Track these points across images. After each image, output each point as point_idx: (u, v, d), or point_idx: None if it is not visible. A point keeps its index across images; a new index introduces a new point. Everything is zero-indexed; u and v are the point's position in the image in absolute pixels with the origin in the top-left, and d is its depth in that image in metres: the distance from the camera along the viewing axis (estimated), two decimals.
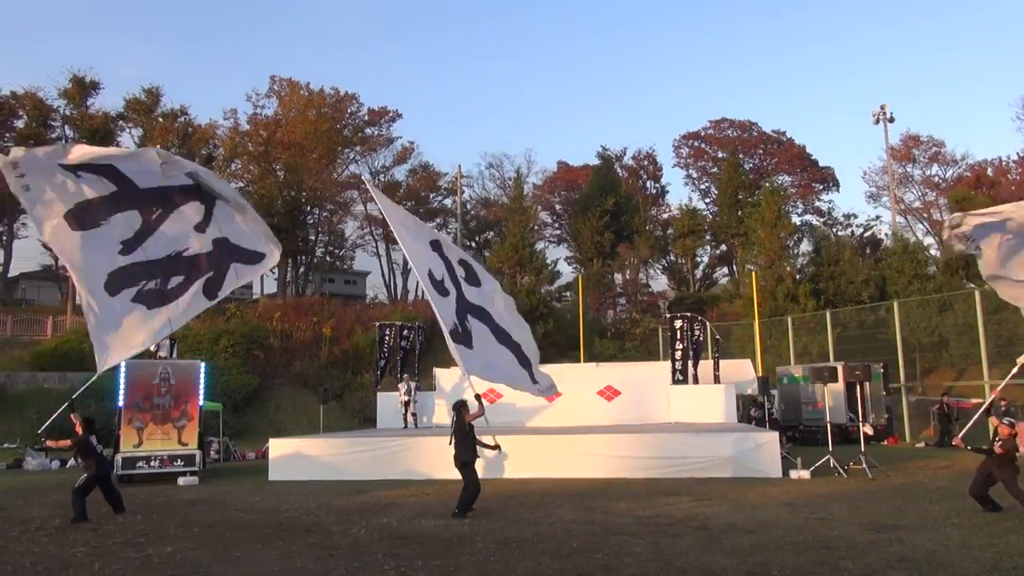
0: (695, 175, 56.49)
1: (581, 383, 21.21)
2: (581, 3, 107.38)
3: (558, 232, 56.25)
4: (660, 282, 51.86)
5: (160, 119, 39.97)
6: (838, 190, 55.04)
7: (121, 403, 16.14)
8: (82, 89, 37.92)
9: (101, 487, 10.91)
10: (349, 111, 49.69)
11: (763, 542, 8.06)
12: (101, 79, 38.88)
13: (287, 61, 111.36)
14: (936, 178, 48.08)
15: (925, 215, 48.04)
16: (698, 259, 51.22)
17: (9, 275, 46.04)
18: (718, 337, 25.06)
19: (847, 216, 50.71)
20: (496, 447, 11.09)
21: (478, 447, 10.72)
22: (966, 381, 24.32)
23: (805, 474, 13.76)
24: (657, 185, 56.18)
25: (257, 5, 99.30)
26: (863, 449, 14.76)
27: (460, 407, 10.83)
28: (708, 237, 49.72)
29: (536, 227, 49.96)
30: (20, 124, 38.88)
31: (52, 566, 7.70)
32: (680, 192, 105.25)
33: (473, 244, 54.81)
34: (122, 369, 16.32)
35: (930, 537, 8.12)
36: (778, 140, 54.71)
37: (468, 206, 54.81)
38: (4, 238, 45.14)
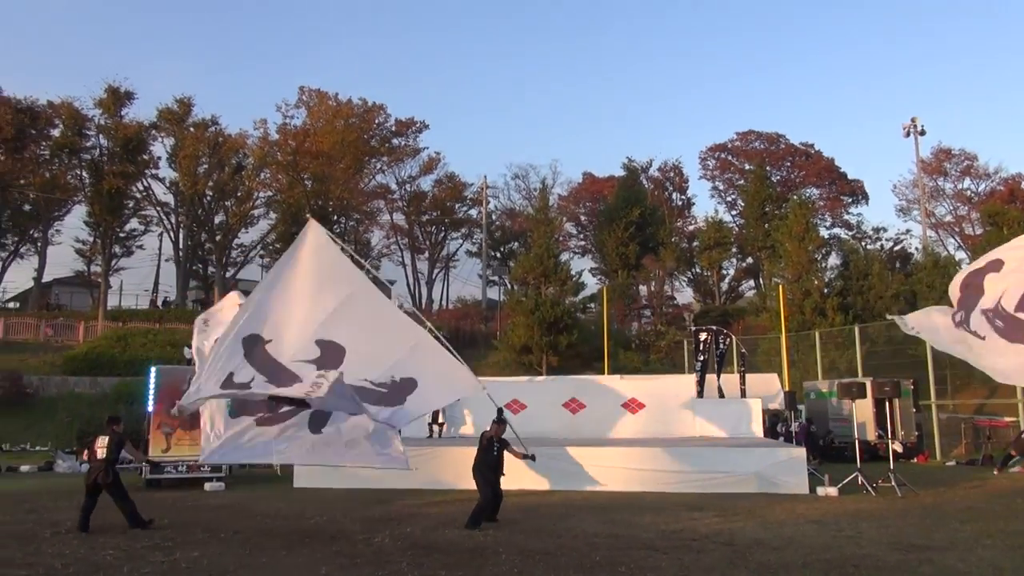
0: (721, 187, 56.23)
1: (605, 395, 21.08)
2: (609, 16, 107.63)
3: (583, 243, 56.23)
4: (685, 294, 51.53)
5: (191, 129, 40.61)
6: (867, 203, 54.33)
7: (150, 408, 16.38)
8: (117, 99, 38.59)
9: (96, 494, 10.43)
10: (377, 122, 50.14)
11: (790, 559, 7.97)
12: (135, 89, 39.59)
13: (316, 72, 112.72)
14: (968, 192, 47.41)
15: (957, 229, 47.32)
16: (724, 271, 50.87)
17: (43, 281, 46.94)
18: (744, 351, 24.81)
19: (876, 230, 50.07)
20: (530, 456, 11.29)
21: (515, 455, 11.00)
22: (998, 399, 23.87)
23: (833, 491, 13.58)
24: (683, 197, 55.96)
25: (288, 17, 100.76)
26: (892, 466, 14.54)
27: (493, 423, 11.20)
28: (734, 249, 49.34)
29: (561, 238, 49.94)
30: (56, 133, 39.72)
31: (82, 568, 7.83)
32: (706, 204, 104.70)
33: (498, 255, 54.93)
34: (152, 375, 16.59)
35: (961, 558, 7.99)
36: (806, 152, 54.25)
37: (493, 217, 54.98)
38: (39, 244, 46.08)
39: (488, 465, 10.76)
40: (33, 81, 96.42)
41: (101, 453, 10.44)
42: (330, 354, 9.60)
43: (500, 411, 11.32)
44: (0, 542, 9.27)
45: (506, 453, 11.03)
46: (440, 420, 20.94)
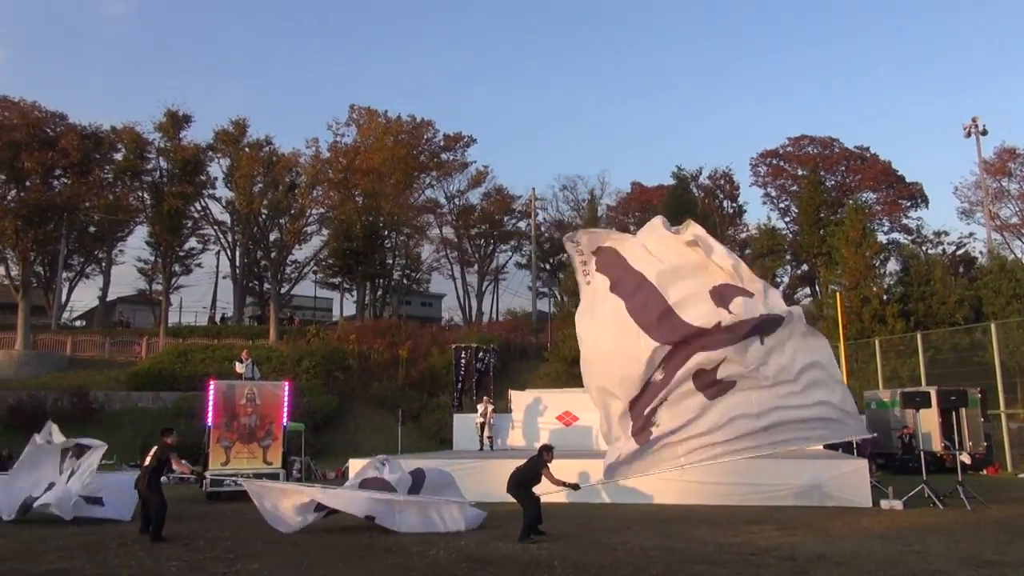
0: (774, 193, 55.16)
1: None
2: (655, 24, 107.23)
3: None
4: None
5: (246, 149, 41.69)
6: (927, 207, 52.65)
7: (210, 422, 16.77)
8: (175, 123, 39.89)
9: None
10: (425, 137, 50.71)
11: (854, 575, 7.72)
12: (192, 112, 40.87)
13: (365, 90, 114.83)
14: None
15: (1023, 231, 45.63)
16: (778, 279, 49.84)
17: (107, 299, 48.63)
18: None
19: (937, 233, 48.44)
20: (575, 487, 10.99)
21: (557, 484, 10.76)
22: None
23: (897, 504, 13.13)
24: (734, 204, 55.11)
25: (337, 39, 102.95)
26: (960, 479, 14.00)
27: (543, 451, 11.03)
28: (788, 257, 48.39)
29: None
30: (119, 157, 41.27)
31: None
32: (758, 211, 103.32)
33: (547, 267, 54.87)
34: (211, 389, 16.99)
35: None
36: (861, 156, 52.93)
37: (542, 229, 55.00)
38: (103, 265, 47.77)
39: (530, 484, 10.72)
40: (97, 108, 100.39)
41: (146, 461, 11.17)
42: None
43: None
44: (69, 553, 9.57)
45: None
46: (488, 433, 21.03)
